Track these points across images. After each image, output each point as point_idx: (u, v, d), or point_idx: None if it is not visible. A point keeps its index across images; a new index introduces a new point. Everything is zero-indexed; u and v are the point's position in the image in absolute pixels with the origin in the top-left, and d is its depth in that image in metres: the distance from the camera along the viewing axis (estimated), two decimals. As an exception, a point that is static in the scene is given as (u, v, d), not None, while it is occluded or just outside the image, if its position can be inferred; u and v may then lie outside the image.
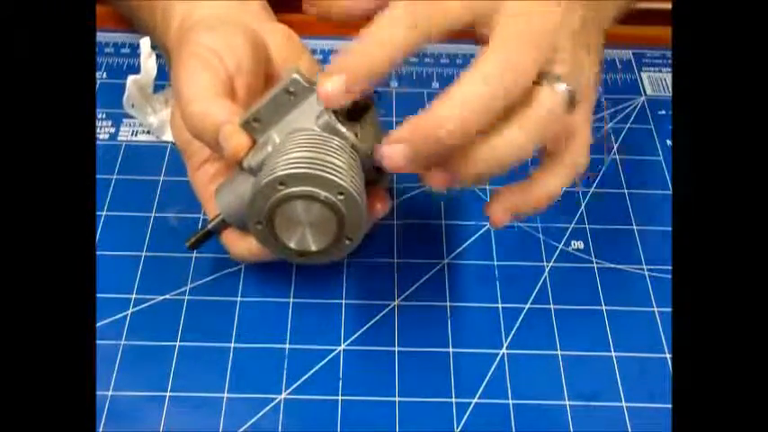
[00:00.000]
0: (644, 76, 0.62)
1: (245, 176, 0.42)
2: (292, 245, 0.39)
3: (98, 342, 0.46)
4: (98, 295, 0.47)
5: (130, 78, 0.54)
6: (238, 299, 0.48)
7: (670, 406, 0.44)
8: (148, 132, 0.57)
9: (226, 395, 0.44)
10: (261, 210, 0.38)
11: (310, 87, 0.40)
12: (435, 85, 0.61)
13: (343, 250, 0.40)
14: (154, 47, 0.54)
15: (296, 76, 0.40)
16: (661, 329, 0.48)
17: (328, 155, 0.37)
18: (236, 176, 0.43)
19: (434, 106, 0.35)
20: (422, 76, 0.62)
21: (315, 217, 0.38)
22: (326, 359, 0.46)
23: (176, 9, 0.49)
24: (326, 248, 0.39)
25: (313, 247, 0.39)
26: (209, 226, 0.45)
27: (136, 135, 0.56)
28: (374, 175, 0.41)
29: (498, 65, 0.35)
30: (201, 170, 0.46)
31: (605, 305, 0.49)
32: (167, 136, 0.56)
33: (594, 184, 0.55)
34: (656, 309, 0.49)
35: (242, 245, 0.45)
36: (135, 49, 0.61)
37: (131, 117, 0.56)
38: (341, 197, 0.37)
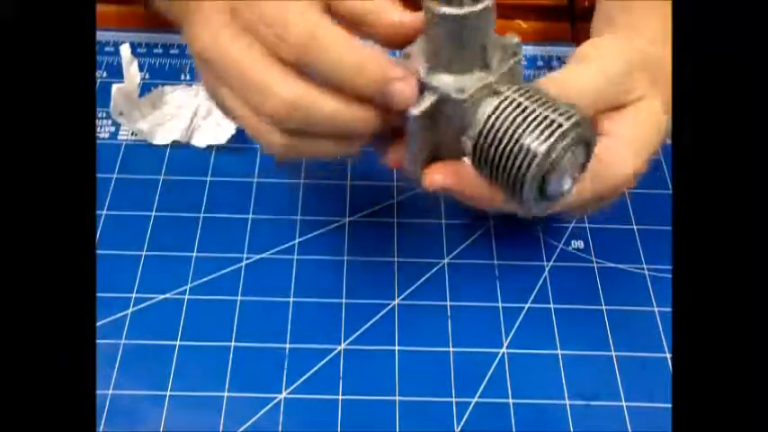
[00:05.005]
0: (644, 75, 0.62)
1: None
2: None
3: (98, 341, 0.46)
4: (98, 295, 0.47)
5: (115, 87, 0.54)
6: (238, 299, 0.48)
7: (670, 406, 0.44)
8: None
9: (226, 394, 0.44)
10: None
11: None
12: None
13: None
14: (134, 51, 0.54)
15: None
16: (661, 329, 0.48)
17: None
18: None
19: None
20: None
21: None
22: (326, 359, 0.46)
23: None
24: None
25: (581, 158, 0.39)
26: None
27: (136, 135, 0.56)
28: None
29: None
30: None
31: (605, 305, 0.49)
32: (158, 139, 0.56)
33: (594, 184, 0.54)
34: (656, 309, 0.49)
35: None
36: (135, 48, 0.61)
37: (131, 117, 0.56)
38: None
